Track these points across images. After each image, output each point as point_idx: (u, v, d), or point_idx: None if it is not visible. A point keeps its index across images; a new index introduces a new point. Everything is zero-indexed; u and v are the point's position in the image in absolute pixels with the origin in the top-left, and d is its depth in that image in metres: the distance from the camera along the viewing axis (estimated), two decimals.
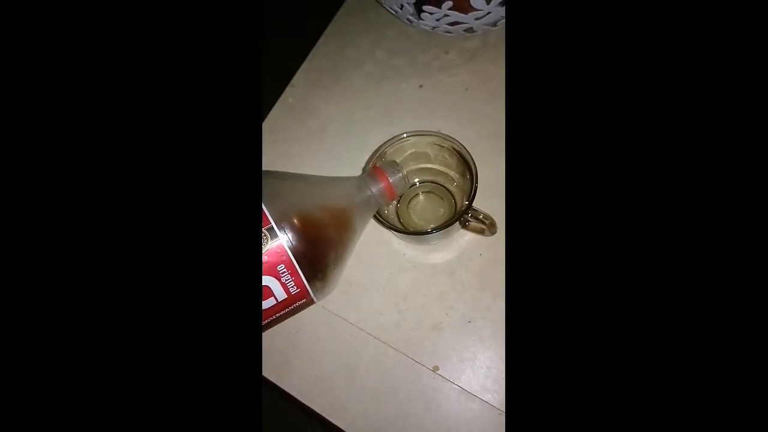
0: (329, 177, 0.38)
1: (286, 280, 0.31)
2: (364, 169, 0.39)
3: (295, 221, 0.32)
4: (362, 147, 0.43)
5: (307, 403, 0.39)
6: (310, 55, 0.52)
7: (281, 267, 0.31)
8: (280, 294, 0.31)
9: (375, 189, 0.35)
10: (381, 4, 0.47)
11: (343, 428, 0.38)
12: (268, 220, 0.31)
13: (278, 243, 0.31)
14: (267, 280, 0.31)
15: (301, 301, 0.33)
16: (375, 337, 0.40)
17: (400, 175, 0.36)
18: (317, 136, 0.48)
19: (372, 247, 0.43)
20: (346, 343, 0.40)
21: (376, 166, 0.37)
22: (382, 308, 0.41)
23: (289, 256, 0.31)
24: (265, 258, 0.31)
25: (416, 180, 0.42)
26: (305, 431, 0.45)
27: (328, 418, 0.39)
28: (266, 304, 0.32)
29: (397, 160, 0.40)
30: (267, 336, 0.36)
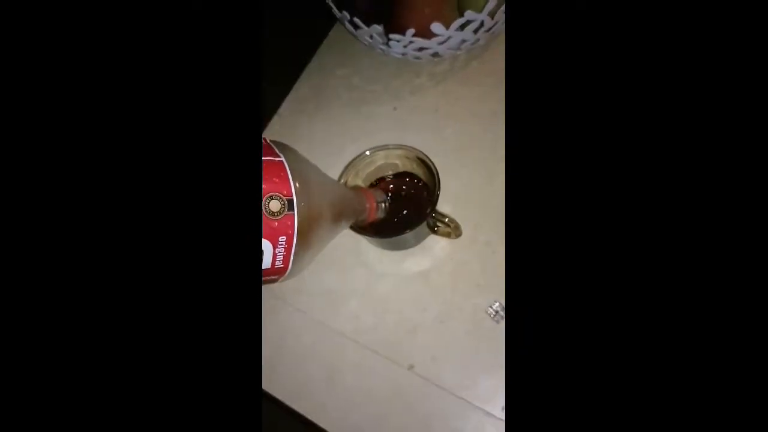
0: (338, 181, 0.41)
1: (278, 252, 0.32)
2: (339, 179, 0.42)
3: (311, 204, 0.33)
4: (344, 166, 0.46)
5: (291, 406, 0.41)
6: (294, 87, 0.56)
7: (283, 239, 0.32)
8: (266, 263, 0.32)
9: (364, 205, 0.39)
10: (356, 37, 0.51)
11: (325, 428, 0.40)
12: (291, 192, 0.32)
13: (292, 216, 0.32)
14: (264, 245, 0.31)
15: (272, 278, 0.34)
16: (354, 341, 0.42)
17: (384, 206, 0.40)
18: None
19: (351, 257, 0.45)
20: (327, 348, 0.42)
21: (368, 190, 0.40)
22: (360, 313, 0.43)
23: (294, 232, 0.32)
24: (274, 224, 0.31)
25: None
26: None
27: (311, 419, 0.40)
28: None
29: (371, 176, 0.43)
30: None
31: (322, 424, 0.40)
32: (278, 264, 0.33)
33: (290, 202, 0.32)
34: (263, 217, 0.31)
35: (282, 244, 0.32)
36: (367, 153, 0.41)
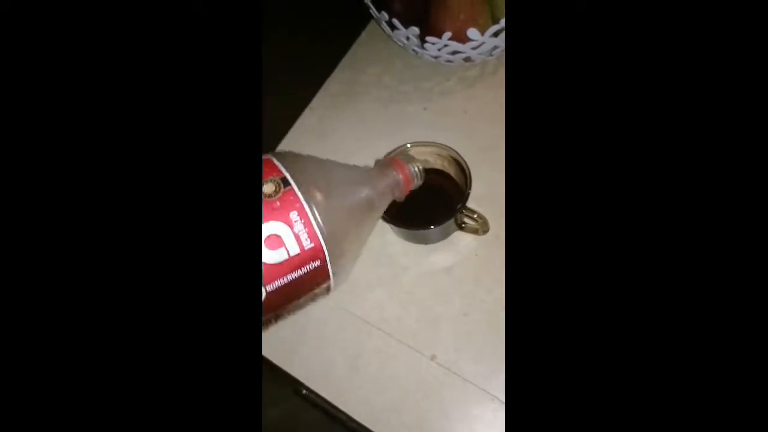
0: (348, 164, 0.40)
1: (298, 231, 0.31)
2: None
3: (313, 178, 0.33)
4: (372, 162, 0.48)
5: (313, 388, 0.42)
6: (326, 82, 0.58)
7: (294, 214, 0.31)
8: (293, 246, 0.31)
9: (393, 179, 0.38)
10: (390, 37, 0.53)
11: (346, 411, 0.41)
12: (282, 172, 0.31)
13: (291, 190, 0.31)
14: (277, 227, 0.31)
15: (315, 264, 0.33)
16: (378, 329, 0.43)
17: (416, 169, 0.39)
18: (331, 153, 0.53)
19: (377, 249, 0.47)
20: (351, 334, 0.44)
21: (396, 158, 0.39)
22: (385, 303, 0.44)
23: (303, 203, 0.31)
24: (276, 204, 0.31)
25: None
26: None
27: (332, 401, 0.42)
28: (277, 256, 0.31)
29: None
30: (276, 326, 0.39)
31: (343, 408, 0.41)
32: (306, 244, 0.32)
33: (283, 179, 0.32)
34: (264, 203, 0.30)
35: (298, 221, 0.31)
36: (408, 146, 0.42)
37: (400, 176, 0.39)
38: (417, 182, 0.40)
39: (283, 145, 0.54)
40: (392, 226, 0.43)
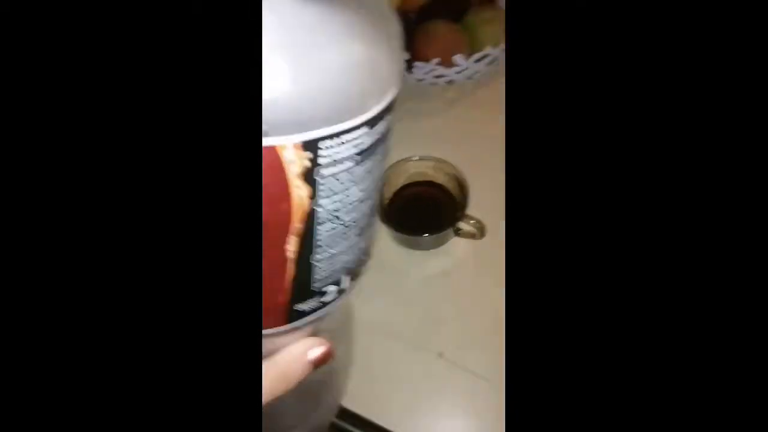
0: None
1: None
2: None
3: None
4: None
5: None
6: None
7: None
8: None
9: None
10: None
11: (358, 412, 0.42)
12: None
13: None
14: None
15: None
16: (384, 331, 0.45)
17: None
18: None
19: (377, 256, 0.49)
20: (358, 337, 0.45)
21: None
22: (389, 307, 0.47)
23: None
24: None
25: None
26: None
27: (342, 404, 0.43)
28: None
29: (401, 179, 0.48)
30: None
31: (354, 409, 0.43)
32: None
33: None
34: None
35: None
36: (417, 157, 0.46)
37: None
38: None
39: None
40: (392, 231, 0.45)
